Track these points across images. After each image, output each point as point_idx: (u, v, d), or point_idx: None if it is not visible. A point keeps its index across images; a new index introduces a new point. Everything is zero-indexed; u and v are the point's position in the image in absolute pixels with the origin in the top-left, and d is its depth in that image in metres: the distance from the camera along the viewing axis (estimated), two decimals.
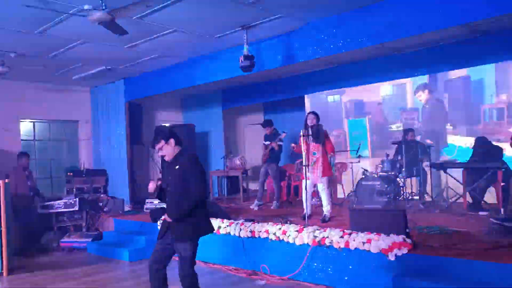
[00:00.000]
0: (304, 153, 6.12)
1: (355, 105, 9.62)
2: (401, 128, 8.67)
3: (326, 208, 6.43)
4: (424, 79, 8.50)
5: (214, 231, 4.29)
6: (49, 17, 5.57)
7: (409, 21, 5.11)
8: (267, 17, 5.79)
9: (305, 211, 6.32)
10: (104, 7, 4.97)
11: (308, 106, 9.97)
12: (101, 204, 8.65)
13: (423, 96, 8.65)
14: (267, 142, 8.07)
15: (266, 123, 8.32)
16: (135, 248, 6.74)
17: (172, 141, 3.92)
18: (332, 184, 8.42)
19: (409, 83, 8.72)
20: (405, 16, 5.17)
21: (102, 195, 9.05)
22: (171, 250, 3.91)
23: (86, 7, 5.04)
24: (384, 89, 9.09)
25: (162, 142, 3.91)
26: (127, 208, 8.91)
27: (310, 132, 6.22)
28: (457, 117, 8.21)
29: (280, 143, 7.96)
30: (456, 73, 8.07)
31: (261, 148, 8.33)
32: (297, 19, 5.91)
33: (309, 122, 6.35)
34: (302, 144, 6.15)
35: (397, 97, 8.94)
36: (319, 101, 9.98)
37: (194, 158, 3.93)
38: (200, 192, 3.78)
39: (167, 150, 3.93)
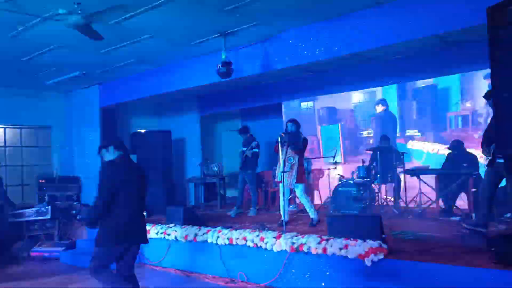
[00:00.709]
0: (281, 160, 6.16)
1: (328, 112, 9.76)
2: (372, 135, 8.89)
3: (311, 212, 6.49)
4: (393, 87, 8.72)
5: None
6: (23, 21, 5.45)
7: (382, 31, 5.23)
8: (244, 24, 5.83)
9: (282, 217, 6.35)
10: (79, 12, 4.92)
11: (284, 113, 10.03)
12: (74, 212, 8.46)
13: (379, 108, 9.03)
14: (244, 149, 8.08)
15: (242, 131, 8.29)
16: None
17: (111, 147, 3.96)
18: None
19: (379, 91, 8.94)
20: (379, 26, 5.29)
21: (75, 203, 8.86)
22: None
23: (61, 11, 4.97)
24: (356, 96, 9.30)
25: (103, 149, 3.97)
26: None
27: (288, 139, 6.26)
28: (425, 124, 8.46)
29: (255, 150, 7.96)
30: (423, 82, 8.34)
31: (239, 155, 8.33)
32: (274, 27, 5.97)
33: (288, 129, 6.41)
34: (280, 149, 6.18)
35: (368, 104, 9.14)
36: (293, 108, 10.06)
37: (107, 164, 3.95)
38: (99, 200, 3.77)
39: (105, 156, 3.97)
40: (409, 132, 8.65)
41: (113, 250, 3.88)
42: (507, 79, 2.94)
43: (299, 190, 6.42)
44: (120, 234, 3.85)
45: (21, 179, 9.62)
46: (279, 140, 6.07)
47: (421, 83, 8.42)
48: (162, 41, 6.42)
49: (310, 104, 9.99)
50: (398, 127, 8.77)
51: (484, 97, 5.08)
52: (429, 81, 8.25)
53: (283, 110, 10.15)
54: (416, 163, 8.33)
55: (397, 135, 8.69)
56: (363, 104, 9.23)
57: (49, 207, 7.82)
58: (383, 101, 9.07)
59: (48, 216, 7.77)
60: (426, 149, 8.09)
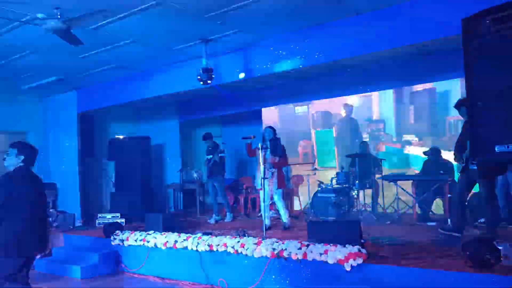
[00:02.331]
0: (261, 166, 6.19)
1: (322, 116, 9.67)
2: (367, 139, 8.82)
3: (285, 216, 6.62)
4: (389, 90, 8.56)
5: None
6: (1, 23, 5.36)
7: (361, 40, 5.35)
8: (225, 31, 5.87)
9: (264, 222, 6.38)
10: (59, 16, 4.86)
11: (269, 119, 10.00)
12: (50, 219, 8.27)
13: (342, 113, 9.10)
14: (210, 156, 8.00)
15: (207, 136, 8.21)
16: (87, 264, 6.47)
17: (13, 150, 3.85)
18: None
19: (375, 95, 8.78)
20: (357, 36, 5.40)
21: (51, 210, 8.67)
22: None
23: (40, 15, 4.91)
24: (351, 100, 9.13)
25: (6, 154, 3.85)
26: (78, 223, 8.58)
27: (268, 146, 6.32)
28: (423, 129, 8.28)
29: (223, 155, 7.92)
30: (422, 85, 8.10)
31: (204, 163, 8.24)
32: (255, 34, 6.03)
33: (266, 136, 6.49)
34: (259, 157, 6.22)
35: (363, 108, 9.02)
36: (286, 112, 9.99)
37: (3, 176, 3.79)
38: None
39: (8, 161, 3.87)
40: (406, 137, 8.49)
41: (8, 263, 3.66)
42: (481, 89, 3.06)
43: (278, 195, 6.54)
44: (14, 247, 3.68)
45: None
46: (259, 147, 6.11)
47: (419, 86, 8.18)
48: (142, 46, 6.40)
49: (304, 108, 9.88)
50: (360, 131, 8.73)
51: (454, 107, 5.26)
52: (428, 84, 8.00)
53: (263, 116, 10.20)
54: (413, 169, 8.22)
55: (414, 138, 8.44)
56: (358, 109, 9.09)
57: None
58: (345, 106, 9.10)
59: None
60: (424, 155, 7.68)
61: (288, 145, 9.86)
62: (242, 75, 6.95)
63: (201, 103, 10.10)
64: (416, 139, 8.36)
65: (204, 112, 10.32)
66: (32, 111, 9.70)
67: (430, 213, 7.12)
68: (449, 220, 6.33)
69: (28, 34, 5.67)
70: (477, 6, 3.30)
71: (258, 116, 10.26)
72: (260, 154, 6.22)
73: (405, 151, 8.29)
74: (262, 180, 6.13)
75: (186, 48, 6.52)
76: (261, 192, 6.43)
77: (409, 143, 8.46)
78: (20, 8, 4.87)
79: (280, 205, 6.61)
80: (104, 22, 5.35)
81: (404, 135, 8.51)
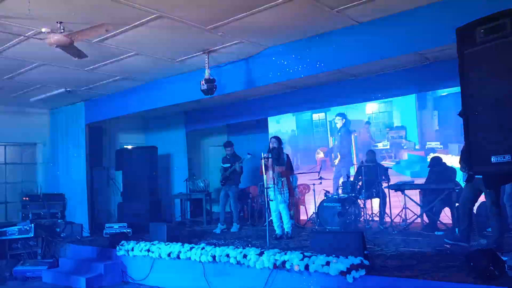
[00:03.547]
0: (265, 176, 6.22)
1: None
2: (387, 147, 8.65)
3: (287, 226, 6.68)
4: (412, 96, 8.21)
5: None
6: (6, 38, 5.46)
7: (362, 49, 5.33)
8: (227, 42, 5.89)
9: (278, 231, 6.67)
10: (62, 30, 4.94)
11: (287, 126, 9.87)
12: (58, 229, 8.35)
13: (339, 123, 8.94)
14: (227, 165, 8.07)
15: (227, 144, 8.33)
16: (92, 275, 6.50)
17: None
18: (295, 205, 8.51)
19: (395, 101, 8.53)
20: (359, 44, 5.39)
21: (59, 220, 8.75)
22: None
23: (43, 30, 4.98)
24: (371, 107, 8.89)
25: None
26: (86, 233, 8.65)
27: (271, 156, 6.38)
28: (448, 135, 7.99)
29: (242, 165, 7.99)
30: (447, 90, 7.82)
31: (220, 171, 8.31)
32: (257, 44, 6.04)
33: (271, 146, 6.56)
34: (263, 167, 6.26)
35: (384, 115, 8.78)
36: (304, 119, 9.87)
37: None
38: None
39: None
40: (430, 145, 8.16)
41: None
42: (477, 98, 3.02)
43: (285, 204, 6.62)
44: None
45: (5, 196, 9.50)
46: (265, 157, 6.17)
47: (444, 91, 7.88)
48: (146, 58, 6.45)
49: (322, 115, 9.66)
50: (353, 142, 8.53)
51: (458, 114, 5.19)
52: (454, 88, 7.55)
53: (269, 125, 10.21)
54: None
55: (438, 145, 8.09)
56: (378, 115, 8.85)
57: (32, 225, 7.71)
58: (341, 115, 8.94)
59: (31, 234, 7.65)
60: (449, 163, 7.35)
61: (305, 152, 9.81)
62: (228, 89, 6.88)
63: (207, 113, 10.15)
64: (441, 146, 8.04)
65: (211, 122, 10.37)
66: (41, 123, 9.84)
67: (438, 222, 7.00)
68: (457, 229, 6.26)
69: (34, 48, 5.76)
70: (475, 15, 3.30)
71: (264, 125, 10.28)
72: (268, 163, 6.30)
73: (429, 160, 7.82)
74: (273, 190, 6.21)
75: (189, 60, 6.56)
76: (272, 203, 6.52)
77: (433, 150, 8.11)
78: (25, 23, 4.95)
79: (285, 213, 6.65)
80: (107, 35, 5.42)
81: (427, 142, 8.17)
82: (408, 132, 8.52)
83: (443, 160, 7.28)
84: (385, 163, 8.01)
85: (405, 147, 8.48)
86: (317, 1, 4.78)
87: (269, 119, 10.16)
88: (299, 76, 5.93)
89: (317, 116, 9.76)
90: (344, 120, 8.95)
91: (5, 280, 7.04)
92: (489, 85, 2.93)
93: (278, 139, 6.76)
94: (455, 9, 4.59)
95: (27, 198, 8.89)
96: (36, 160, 9.96)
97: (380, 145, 8.85)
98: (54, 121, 9.84)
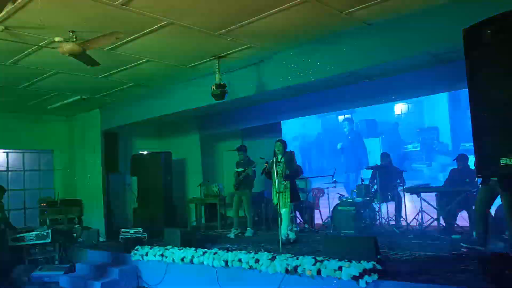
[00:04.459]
0: (276, 180, 6.19)
1: (368, 124, 9.16)
2: (418, 148, 8.35)
3: (288, 231, 6.59)
4: (443, 95, 7.81)
5: None
6: (21, 48, 5.59)
7: (373, 51, 5.28)
8: (237, 47, 5.91)
9: (280, 237, 6.38)
10: (74, 39, 5.02)
11: (311, 128, 9.71)
12: (75, 235, 8.47)
13: (347, 127, 8.73)
14: (240, 169, 8.05)
15: (241, 149, 8.32)
16: (107, 280, 6.58)
17: None
18: (309, 209, 8.45)
19: (426, 100, 8.23)
20: (369, 46, 5.33)
21: (76, 226, 8.88)
22: None
23: (56, 39, 5.08)
24: (399, 107, 8.64)
25: None
26: (102, 238, 8.75)
27: (283, 159, 6.34)
28: None
29: (255, 169, 7.97)
30: None
31: (233, 175, 8.30)
32: (267, 48, 6.05)
33: (277, 150, 6.48)
34: (272, 171, 6.26)
35: (413, 115, 8.49)
36: (329, 121, 9.63)
37: None
38: None
39: None
40: (465, 146, 7.91)
41: None
42: (486, 99, 2.95)
43: (287, 209, 6.54)
44: None
45: (23, 203, 9.69)
46: (272, 160, 6.16)
47: None
48: (157, 64, 6.52)
49: (348, 117, 9.41)
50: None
51: None
52: None
53: (282, 129, 10.17)
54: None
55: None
56: (408, 116, 8.59)
57: (49, 230, 7.83)
58: (347, 120, 8.68)
59: (49, 240, 7.78)
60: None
61: (331, 154, 9.60)
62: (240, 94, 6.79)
63: (221, 117, 10.16)
64: None
65: (224, 126, 10.37)
66: (58, 130, 10.03)
67: (455, 225, 6.87)
68: (474, 233, 6.12)
69: (48, 56, 5.88)
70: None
71: (277, 129, 10.24)
72: (273, 168, 6.27)
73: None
74: (277, 195, 6.13)
75: (200, 65, 6.61)
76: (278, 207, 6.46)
77: (468, 152, 7.56)
78: (39, 32, 5.06)
79: (286, 218, 6.54)
80: (118, 43, 5.49)
81: (462, 143, 7.90)
82: (441, 133, 8.17)
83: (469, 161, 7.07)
84: (416, 165, 7.78)
85: (437, 148, 8.20)
86: (326, 4, 4.76)
87: (292, 121, 9.89)
88: (309, 80, 5.90)
89: (343, 118, 9.48)
90: (350, 123, 8.77)
91: (24, 284, 7.17)
92: (497, 87, 2.86)
93: (283, 143, 6.79)
94: (467, 9, 4.50)
95: (45, 204, 9.05)
96: (53, 167, 10.13)
97: (410, 147, 8.59)
98: (71, 128, 10.02)
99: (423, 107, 8.35)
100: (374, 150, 8.76)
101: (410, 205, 7.87)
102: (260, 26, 5.20)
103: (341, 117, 9.39)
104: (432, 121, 8.28)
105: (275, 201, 6.42)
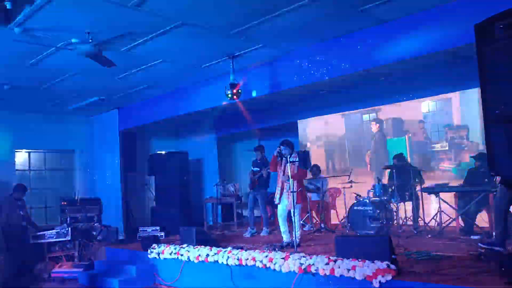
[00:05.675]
0: (291, 180, 6.14)
1: (394, 123, 8.70)
2: (446, 148, 7.97)
3: (298, 234, 6.39)
4: (474, 91, 7.34)
5: None
6: (39, 50, 5.72)
7: (387, 49, 5.22)
8: (251, 47, 5.93)
9: (285, 238, 6.52)
10: (90, 41, 5.12)
11: (335, 127, 9.53)
12: (94, 233, 8.61)
13: (374, 128, 8.53)
14: (256, 169, 8.08)
15: (257, 148, 8.33)
16: (125, 278, 6.67)
17: None
18: (326, 209, 8.39)
19: (455, 97, 7.80)
20: (384, 44, 5.27)
21: (95, 224, 9.02)
22: None
23: (73, 40, 5.19)
24: (426, 105, 8.21)
25: None
26: (121, 236, 8.88)
27: (298, 159, 6.29)
28: None
29: (269, 170, 7.96)
30: None
31: (249, 175, 8.32)
32: (280, 47, 6.05)
33: (283, 151, 6.30)
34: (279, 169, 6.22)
35: (441, 113, 8.00)
36: (353, 120, 9.25)
37: None
38: None
39: None
40: None
41: None
42: (498, 96, 2.87)
43: (297, 210, 6.36)
44: None
45: (45, 201, 9.92)
46: (278, 155, 6.12)
47: None
48: (172, 65, 6.59)
49: (372, 115, 9.03)
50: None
51: None
52: None
53: (299, 128, 10.13)
54: None
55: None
56: (435, 114, 8.09)
57: (69, 228, 7.98)
58: (377, 120, 8.52)
59: (68, 238, 7.92)
60: None
61: (354, 154, 9.43)
62: (254, 93, 7.00)
63: (238, 117, 10.17)
64: None
65: (241, 126, 10.40)
66: (79, 130, 10.22)
67: (475, 226, 6.72)
68: (493, 233, 5.98)
69: (67, 58, 6.00)
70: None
71: (294, 128, 10.21)
72: (279, 167, 6.25)
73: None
74: (277, 192, 6.12)
75: (214, 65, 6.65)
76: (278, 207, 6.46)
77: None
78: (56, 34, 5.17)
79: (296, 220, 6.34)
80: (133, 44, 5.57)
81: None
82: (470, 132, 7.77)
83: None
84: (444, 166, 7.55)
85: (466, 148, 7.78)
86: (341, 1, 4.72)
87: (314, 119, 9.80)
88: (323, 78, 5.87)
89: (368, 117, 9.13)
90: (378, 125, 8.62)
91: (44, 281, 7.34)
92: (510, 83, 2.78)
93: (289, 143, 6.46)
94: (483, 5, 4.41)
95: (65, 203, 9.22)
96: (74, 166, 10.33)
97: (437, 146, 8.15)
98: (91, 128, 10.21)
99: (452, 104, 7.91)
100: (400, 150, 8.38)
101: (429, 205, 7.73)
102: (273, 25, 5.20)
103: (365, 116, 9.11)
104: (461, 120, 7.85)
105: (277, 200, 6.41)
